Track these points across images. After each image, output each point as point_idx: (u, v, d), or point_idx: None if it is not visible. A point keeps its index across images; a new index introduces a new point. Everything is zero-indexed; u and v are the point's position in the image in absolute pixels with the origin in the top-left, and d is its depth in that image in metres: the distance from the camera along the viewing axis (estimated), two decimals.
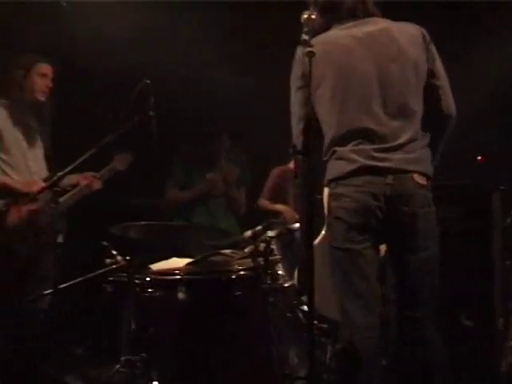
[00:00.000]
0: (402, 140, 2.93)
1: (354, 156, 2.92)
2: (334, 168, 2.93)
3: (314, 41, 2.65)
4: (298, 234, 3.56)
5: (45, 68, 4.68)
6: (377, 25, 3.05)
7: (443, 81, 3.06)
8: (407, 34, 3.04)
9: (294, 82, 3.03)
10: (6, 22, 5.25)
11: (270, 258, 3.18)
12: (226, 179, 5.31)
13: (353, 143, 2.94)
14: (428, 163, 3.01)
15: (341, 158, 2.95)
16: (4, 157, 4.54)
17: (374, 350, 2.91)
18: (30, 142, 4.65)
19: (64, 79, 4.82)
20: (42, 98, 4.65)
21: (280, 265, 3.37)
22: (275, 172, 5.63)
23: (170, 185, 5.39)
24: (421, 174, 2.94)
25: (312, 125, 2.50)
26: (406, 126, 2.95)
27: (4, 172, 4.52)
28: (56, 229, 4.13)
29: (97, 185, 4.81)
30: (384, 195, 2.88)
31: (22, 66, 4.62)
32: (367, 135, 2.93)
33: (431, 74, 3.03)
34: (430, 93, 3.03)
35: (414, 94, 2.99)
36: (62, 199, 4.32)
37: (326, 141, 3.00)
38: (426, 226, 2.93)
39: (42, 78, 4.65)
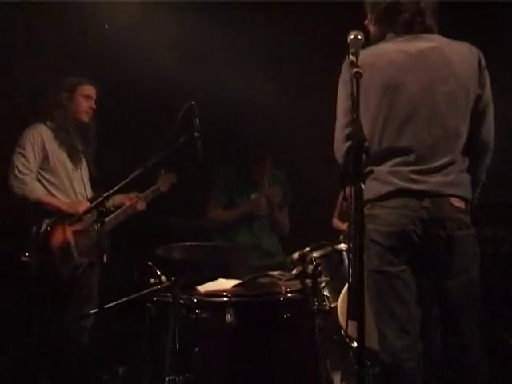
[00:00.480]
0: (440, 162, 2.90)
1: (390, 178, 2.90)
2: (370, 189, 2.88)
3: (365, 51, 2.66)
4: (345, 255, 3.54)
5: (88, 89, 4.77)
6: (432, 42, 2.99)
7: (489, 108, 3.01)
8: (462, 55, 2.97)
9: (342, 88, 3.00)
10: (55, 44, 5.38)
11: (318, 280, 3.16)
12: (269, 200, 5.30)
13: (391, 163, 2.91)
14: (466, 187, 2.96)
15: (377, 179, 2.93)
16: (50, 177, 4.62)
17: (414, 372, 2.86)
18: (75, 163, 4.72)
19: (110, 100, 4.91)
20: (85, 119, 4.74)
21: (327, 287, 3.35)
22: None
23: (213, 204, 5.41)
24: (458, 197, 2.90)
25: (362, 148, 2.46)
26: (446, 149, 2.91)
27: (50, 192, 4.60)
28: (101, 249, 4.18)
29: (141, 205, 4.85)
30: (420, 219, 2.86)
31: (66, 88, 4.72)
32: (406, 155, 2.90)
33: (479, 99, 2.97)
34: (474, 118, 2.98)
35: (460, 117, 2.94)
36: (106, 219, 4.36)
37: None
38: (463, 249, 2.89)
39: (86, 99, 4.74)
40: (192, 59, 5.48)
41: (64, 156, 4.67)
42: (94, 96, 4.80)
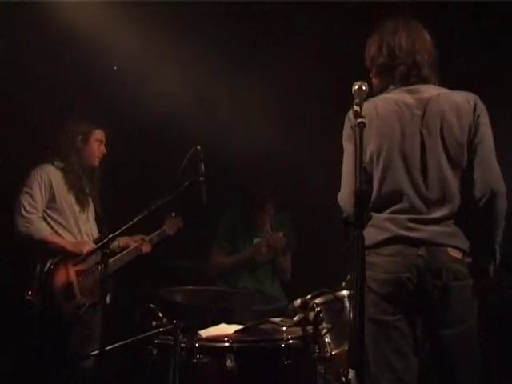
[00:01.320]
0: (438, 214, 2.91)
1: (387, 224, 2.92)
2: (368, 236, 2.80)
3: (367, 102, 2.72)
4: (346, 302, 3.54)
5: (100, 134, 4.85)
6: (428, 92, 3.04)
7: (487, 153, 2.96)
8: (455, 104, 2.99)
9: (346, 138, 3.05)
10: (63, 85, 5.45)
11: (319, 327, 3.17)
12: (271, 246, 5.31)
13: (389, 210, 2.94)
14: (463, 238, 2.94)
15: (374, 226, 2.95)
16: (56, 217, 4.67)
17: None
18: (82, 206, 4.78)
19: (117, 142, 4.97)
20: (97, 163, 4.82)
21: (328, 335, 3.35)
22: None
23: (215, 249, 5.43)
24: (455, 248, 2.90)
25: (364, 196, 2.51)
26: (444, 201, 2.92)
27: (55, 231, 4.63)
28: (104, 290, 4.20)
29: (146, 248, 4.88)
30: (416, 267, 2.86)
31: (80, 131, 4.79)
32: (403, 204, 2.92)
33: (474, 146, 2.95)
34: (472, 166, 2.95)
35: (454, 167, 2.95)
36: (110, 261, 4.39)
37: None
38: (460, 299, 2.88)
39: (98, 144, 4.81)
40: (198, 103, 5.55)
41: (72, 199, 4.73)
42: (104, 141, 4.89)
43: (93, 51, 5.24)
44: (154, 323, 3.63)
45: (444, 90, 3.08)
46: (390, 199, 2.95)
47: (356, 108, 2.61)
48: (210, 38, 5.37)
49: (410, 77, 3.08)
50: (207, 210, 4.02)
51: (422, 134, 2.97)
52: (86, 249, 4.54)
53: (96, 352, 3.70)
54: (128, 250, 4.80)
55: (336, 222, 3.05)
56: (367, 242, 2.78)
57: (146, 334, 3.61)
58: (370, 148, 2.96)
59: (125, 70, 5.49)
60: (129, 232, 4.45)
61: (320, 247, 5.68)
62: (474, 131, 2.97)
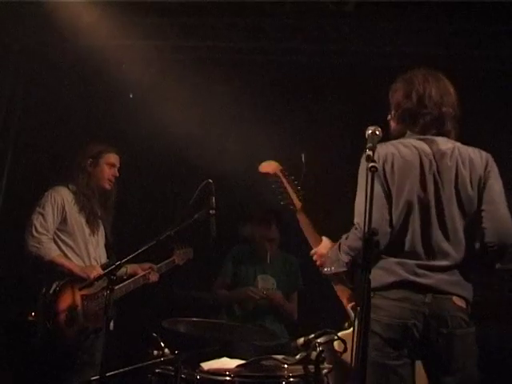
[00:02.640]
0: (444, 263, 2.95)
1: (396, 268, 2.94)
2: (375, 277, 2.83)
3: (387, 143, 2.88)
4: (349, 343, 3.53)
5: (113, 158, 4.88)
6: (445, 145, 3.09)
7: (494, 206, 3.01)
8: (469, 158, 3.07)
9: (363, 174, 3.02)
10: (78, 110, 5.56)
11: (321, 367, 3.17)
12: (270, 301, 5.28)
13: (400, 255, 2.96)
14: (469, 288, 2.99)
15: (383, 268, 2.97)
16: (66, 239, 4.69)
17: None
18: (92, 229, 4.78)
19: (131, 170, 5.02)
20: (108, 186, 4.84)
21: (328, 375, 3.35)
22: None
23: (217, 282, 5.44)
24: (460, 297, 2.94)
25: (372, 240, 2.53)
26: (453, 250, 2.97)
27: (64, 254, 4.65)
28: (108, 316, 4.19)
29: (154, 277, 4.89)
30: (422, 314, 2.88)
31: (91, 154, 4.83)
32: (415, 250, 2.96)
33: (480, 199, 3.02)
34: (479, 220, 3.01)
35: (464, 220, 3.00)
36: (117, 287, 4.40)
37: None
38: (462, 347, 2.90)
39: (110, 167, 4.84)
40: (211, 137, 5.62)
41: (82, 220, 4.75)
42: (118, 164, 4.91)
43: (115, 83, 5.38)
44: (155, 352, 3.62)
45: (458, 144, 3.14)
46: (402, 243, 2.98)
47: (369, 152, 2.66)
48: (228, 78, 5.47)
49: (432, 128, 3.14)
50: (216, 243, 4.05)
51: (437, 184, 3.02)
52: (93, 274, 4.56)
53: (96, 378, 3.70)
54: (135, 277, 4.80)
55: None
56: (374, 284, 2.80)
57: (147, 363, 3.60)
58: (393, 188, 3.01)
59: (141, 102, 5.60)
60: (137, 260, 4.49)
61: (325, 286, 5.66)
62: (483, 184, 3.03)
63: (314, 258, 3.54)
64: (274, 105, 5.72)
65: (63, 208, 4.69)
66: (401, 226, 2.99)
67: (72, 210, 4.73)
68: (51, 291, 4.48)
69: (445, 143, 3.11)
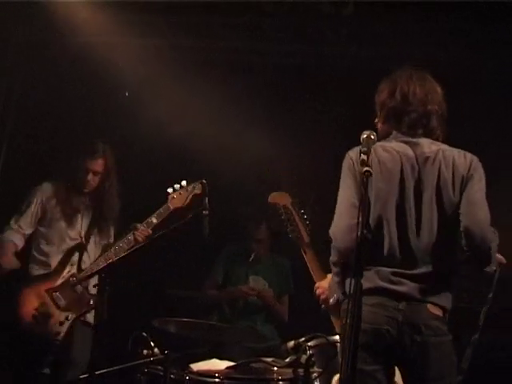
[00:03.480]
0: (420, 270, 2.91)
1: (372, 276, 2.91)
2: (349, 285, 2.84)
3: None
4: (339, 348, 3.53)
5: (96, 165, 4.78)
6: (429, 148, 3.04)
7: (471, 208, 2.93)
8: (452, 161, 3.01)
9: (344, 177, 3.04)
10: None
11: (311, 370, 3.16)
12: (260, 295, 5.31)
13: (377, 262, 2.92)
14: (446, 296, 2.94)
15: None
16: (42, 230, 4.72)
17: None
18: (69, 222, 4.77)
19: (125, 167, 5.01)
20: (85, 189, 4.80)
21: (319, 379, 3.34)
22: None
23: (208, 281, 5.46)
24: (436, 305, 2.90)
25: (365, 245, 2.50)
26: (430, 258, 2.92)
27: (38, 244, 4.70)
28: (100, 314, 4.16)
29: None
30: (395, 320, 2.85)
31: (77, 157, 4.79)
32: (389, 258, 2.93)
33: (459, 203, 2.95)
34: (458, 226, 2.93)
35: (444, 228, 2.94)
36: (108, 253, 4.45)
37: None
38: (437, 355, 2.86)
39: (93, 174, 4.77)
40: (205, 136, 5.62)
41: (59, 215, 4.76)
42: (101, 169, 4.80)
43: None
44: (145, 352, 3.61)
45: (444, 147, 3.09)
46: (377, 250, 2.94)
47: (363, 157, 2.64)
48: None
49: (418, 126, 3.08)
50: (208, 242, 4.05)
51: (417, 189, 2.97)
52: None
53: (85, 376, 3.69)
54: (125, 237, 4.55)
55: None
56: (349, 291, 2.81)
57: (137, 363, 3.59)
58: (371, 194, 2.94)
59: (137, 100, 5.60)
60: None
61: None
62: (464, 187, 2.96)
63: (318, 292, 3.49)
64: (272, 106, 5.71)
65: (42, 204, 4.73)
66: (378, 232, 2.95)
67: (51, 204, 4.74)
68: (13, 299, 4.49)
69: (429, 146, 3.06)
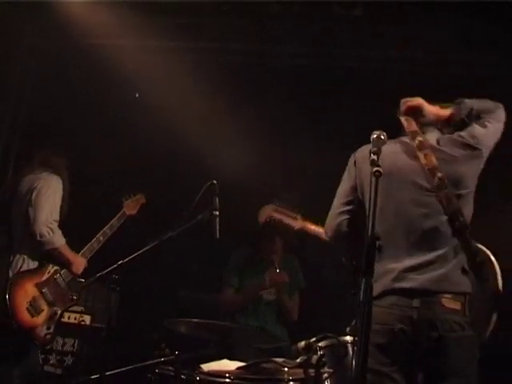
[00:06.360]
0: (428, 257, 2.92)
1: (383, 277, 2.93)
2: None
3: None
4: (350, 348, 3.53)
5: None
6: (433, 137, 3.17)
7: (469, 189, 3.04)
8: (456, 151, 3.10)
9: (346, 172, 3.22)
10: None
11: (321, 371, 3.16)
12: (276, 284, 5.29)
13: (385, 261, 2.95)
14: (459, 282, 2.92)
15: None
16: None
17: None
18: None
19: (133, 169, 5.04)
20: None
21: (329, 380, 3.34)
22: None
23: (225, 287, 5.38)
24: (452, 294, 2.88)
25: (374, 245, 2.51)
26: (435, 243, 2.95)
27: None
28: (111, 314, 4.17)
29: None
30: (410, 318, 2.86)
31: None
32: (396, 251, 2.96)
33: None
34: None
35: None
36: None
37: None
38: (456, 351, 2.84)
39: None
40: (216, 139, 5.63)
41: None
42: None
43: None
44: (155, 352, 3.62)
45: (447, 136, 3.19)
46: (384, 247, 2.97)
47: (373, 157, 2.65)
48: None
49: None
50: (219, 244, 4.05)
51: (416, 175, 3.05)
52: (80, 270, 4.67)
53: (96, 376, 3.71)
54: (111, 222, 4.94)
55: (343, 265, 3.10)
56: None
57: (147, 363, 3.60)
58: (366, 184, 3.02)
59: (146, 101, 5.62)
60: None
61: (327, 290, 5.67)
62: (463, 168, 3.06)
63: None
64: (278, 107, 5.71)
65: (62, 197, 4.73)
66: (382, 226, 2.94)
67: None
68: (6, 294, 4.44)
69: (432, 136, 3.19)
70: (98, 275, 4.43)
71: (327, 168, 5.53)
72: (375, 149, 2.69)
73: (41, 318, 4.48)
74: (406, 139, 3.22)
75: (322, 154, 5.64)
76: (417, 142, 3.12)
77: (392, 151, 3.10)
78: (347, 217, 3.18)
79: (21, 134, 5.71)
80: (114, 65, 5.44)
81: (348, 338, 3.51)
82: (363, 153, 3.11)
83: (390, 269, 2.94)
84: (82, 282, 4.74)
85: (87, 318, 5.14)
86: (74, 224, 4.71)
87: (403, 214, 3.01)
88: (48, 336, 4.48)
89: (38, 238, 4.50)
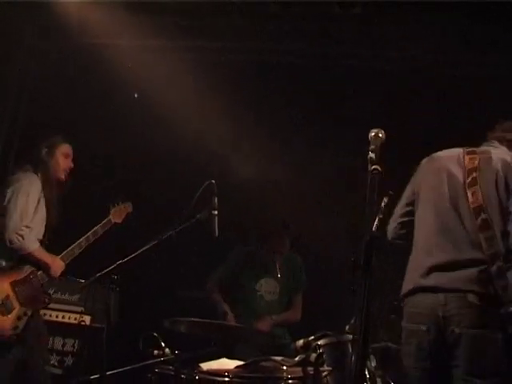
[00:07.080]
0: (463, 257, 2.92)
1: (412, 275, 2.97)
2: (403, 285, 3.04)
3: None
4: (349, 347, 3.53)
5: (66, 148, 4.85)
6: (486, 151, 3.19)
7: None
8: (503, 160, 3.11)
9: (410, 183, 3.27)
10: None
11: (320, 369, 3.16)
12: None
13: (416, 260, 2.99)
14: (486, 283, 2.87)
15: (405, 276, 3.05)
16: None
17: None
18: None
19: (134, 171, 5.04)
20: (63, 177, 4.82)
21: (328, 377, 3.33)
22: None
23: (212, 279, 5.37)
24: (476, 293, 2.86)
25: (372, 243, 2.51)
26: (469, 246, 2.94)
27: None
28: (110, 315, 4.16)
29: None
30: (435, 316, 2.87)
31: (46, 144, 4.80)
32: (429, 250, 2.98)
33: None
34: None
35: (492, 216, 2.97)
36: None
37: None
38: (479, 349, 2.81)
39: (64, 158, 4.82)
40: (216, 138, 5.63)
41: (44, 208, 4.71)
42: (71, 155, 4.87)
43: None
44: (155, 352, 3.62)
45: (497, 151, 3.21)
46: (421, 248, 3.03)
47: (371, 155, 2.65)
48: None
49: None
50: (218, 243, 4.05)
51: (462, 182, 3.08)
52: (58, 273, 4.61)
53: (96, 376, 3.71)
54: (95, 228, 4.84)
55: (343, 264, 3.10)
56: (403, 291, 3.02)
57: (147, 363, 3.60)
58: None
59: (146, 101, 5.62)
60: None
61: (326, 289, 5.67)
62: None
63: None
64: (279, 107, 5.72)
65: (39, 198, 4.67)
66: (422, 230, 3.05)
67: (39, 197, 4.69)
68: None
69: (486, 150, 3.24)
70: (97, 275, 4.47)
71: (327, 168, 5.61)
72: (373, 147, 2.69)
73: (11, 317, 4.44)
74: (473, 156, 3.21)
75: (322, 154, 5.67)
76: (470, 179, 3.11)
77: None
78: (405, 219, 3.23)
79: (21, 134, 5.70)
80: (114, 65, 5.43)
81: (347, 337, 3.52)
82: (429, 157, 3.23)
83: (419, 266, 2.99)
84: (81, 282, 4.74)
85: (87, 319, 5.13)
86: (71, 224, 4.71)
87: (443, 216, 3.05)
88: (14, 337, 4.42)
89: (9, 245, 4.49)
